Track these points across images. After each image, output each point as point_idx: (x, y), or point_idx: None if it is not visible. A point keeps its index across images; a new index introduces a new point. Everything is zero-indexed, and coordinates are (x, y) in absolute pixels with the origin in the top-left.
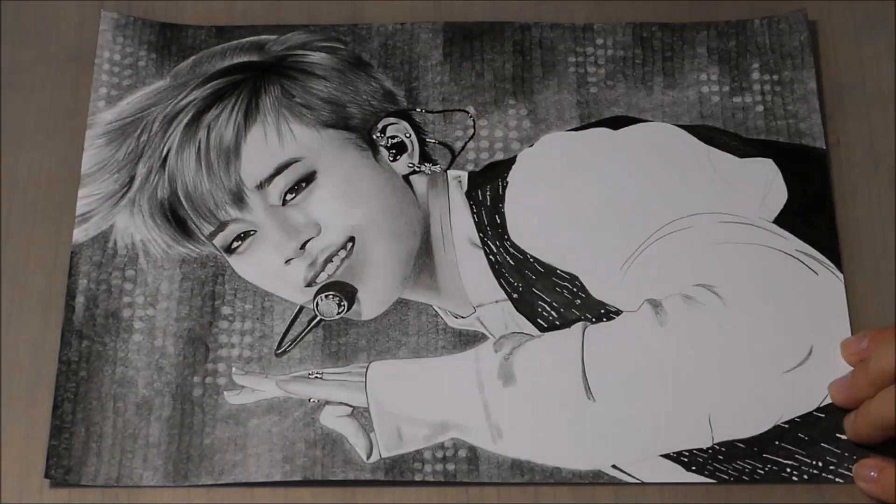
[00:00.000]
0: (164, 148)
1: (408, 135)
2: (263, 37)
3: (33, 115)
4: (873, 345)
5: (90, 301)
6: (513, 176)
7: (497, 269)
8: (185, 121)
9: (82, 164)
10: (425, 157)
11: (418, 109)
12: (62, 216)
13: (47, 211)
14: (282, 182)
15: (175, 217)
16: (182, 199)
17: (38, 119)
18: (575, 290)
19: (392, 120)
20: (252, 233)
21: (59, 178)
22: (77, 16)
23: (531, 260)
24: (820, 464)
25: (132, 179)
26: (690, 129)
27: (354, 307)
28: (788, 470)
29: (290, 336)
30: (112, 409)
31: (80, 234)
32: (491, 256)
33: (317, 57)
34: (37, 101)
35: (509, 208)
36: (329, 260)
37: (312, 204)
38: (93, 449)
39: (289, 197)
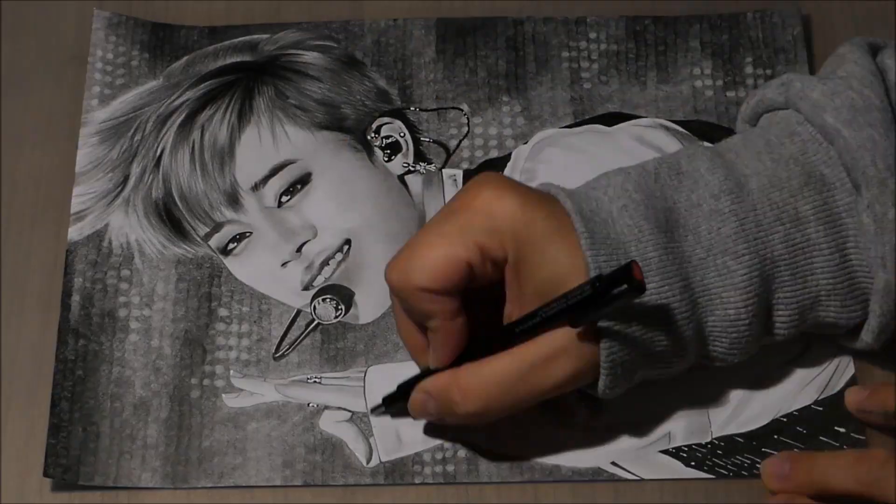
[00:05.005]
0: (157, 148)
1: (402, 134)
2: (256, 36)
3: (32, 115)
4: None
5: (86, 300)
6: (507, 173)
7: None
8: (179, 121)
9: (76, 162)
10: (420, 157)
11: (412, 108)
12: (61, 215)
13: (47, 210)
14: (277, 184)
15: (170, 217)
16: (177, 199)
17: (37, 118)
18: None
19: (386, 119)
20: (248, 234)
21: (57, 178)
22: (75, 15)
23: None
24: None
25: (126, 179)
26: (685, 124)
27: (352, 310)
28: None
29: (287, 339)
30: (109, 409)
31: (74, 233)
32: None
33: (310, 57)
34: (36, 100)
35: None
36: (325, 263)
37: (308, 206)
38: (90, 448)
39: (284, 199)
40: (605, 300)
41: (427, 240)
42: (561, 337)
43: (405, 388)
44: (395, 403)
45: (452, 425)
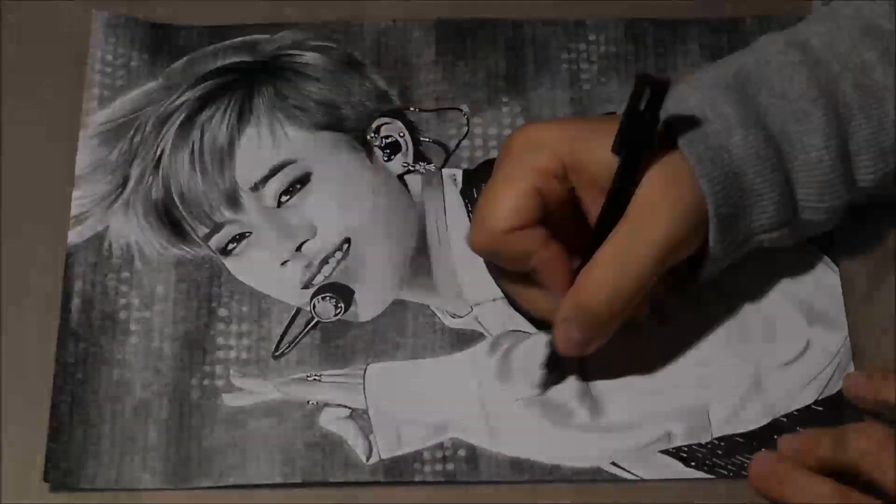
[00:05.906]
0: (157, 149)
1: (402, 134)
2: (256, 36)
3: (32, 115)
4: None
5: (86, 303)
6: None
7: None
8: (179, 122)
9: (76, 164)
10: (420, 157)
11: (412, 108)
12: (61, 217)
13: (46, 212)
14: (276, 184)
15: (170, 218)
16: (176, 200)
17: (37, 118)
18: None
19: (386, 120)
20: (247, 234)
21: (58, 179)
22: (75, 15)
23: None
24: None
25: (126, 181)
26: None
27: (351, 308)
28: None
29: (287, 338)
30: (110, 412)
31: (74, 236)
32: None
33: (309, 57)
34: (36, 100)
35: None
36: (325, 262)
37: (307, 205)
38: (91, 451)
39: (284, 199)
40: (638, 115)
41: (489, 193)
42: (645, 197)
43: (551, 358)
44: (553, 371)
45: (603, 341)
